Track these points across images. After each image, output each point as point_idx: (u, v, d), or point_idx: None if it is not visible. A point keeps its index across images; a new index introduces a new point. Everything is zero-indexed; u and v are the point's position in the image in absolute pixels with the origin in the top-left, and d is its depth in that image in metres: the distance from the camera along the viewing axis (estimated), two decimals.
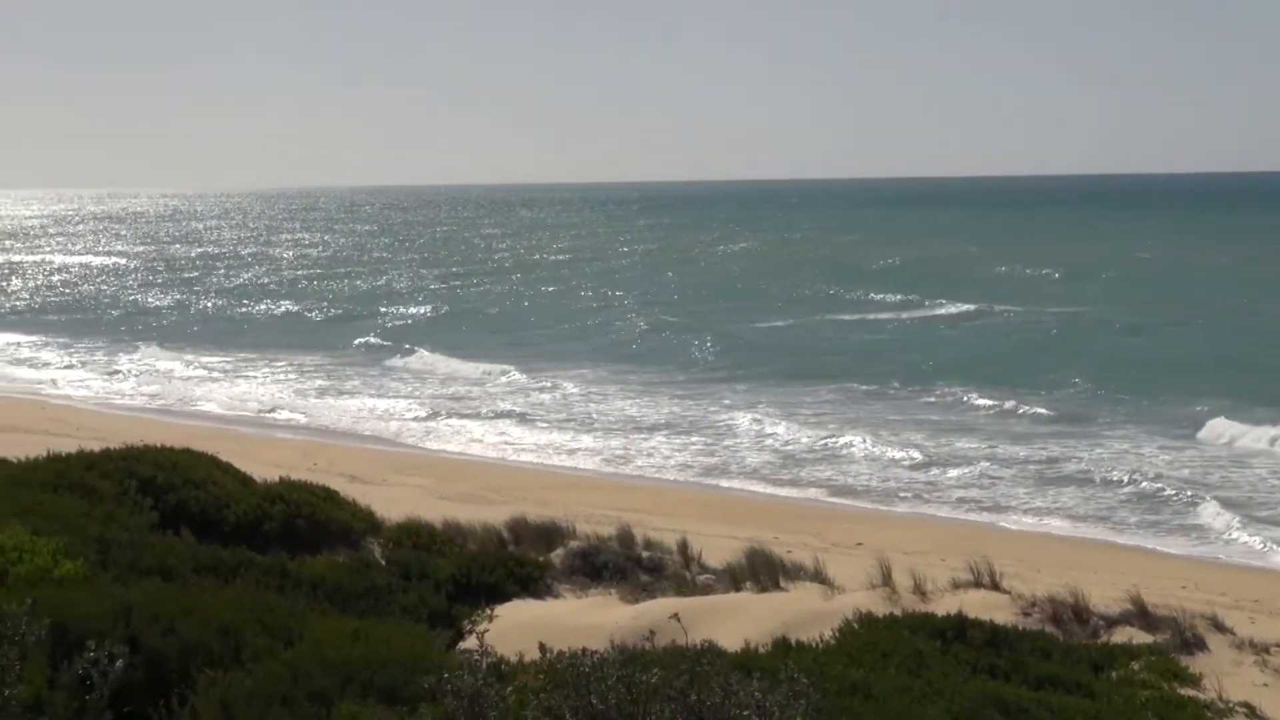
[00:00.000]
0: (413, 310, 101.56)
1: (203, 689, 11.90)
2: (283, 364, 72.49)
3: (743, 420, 53.25)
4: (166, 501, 22.55)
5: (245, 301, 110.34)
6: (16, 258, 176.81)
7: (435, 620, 17.58)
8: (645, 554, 25.10)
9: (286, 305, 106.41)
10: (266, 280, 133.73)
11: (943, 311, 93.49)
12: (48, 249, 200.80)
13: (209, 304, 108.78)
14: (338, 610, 16.91)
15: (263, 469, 29.08)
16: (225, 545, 20.38)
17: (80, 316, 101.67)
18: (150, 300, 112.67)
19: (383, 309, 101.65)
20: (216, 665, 12.48)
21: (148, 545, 18.60)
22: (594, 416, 55.51)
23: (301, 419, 55.67)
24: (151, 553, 18.13)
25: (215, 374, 69.29)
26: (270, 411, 57.56)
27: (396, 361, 72.50)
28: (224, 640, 13.36)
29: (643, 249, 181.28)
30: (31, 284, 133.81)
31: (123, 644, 11.83)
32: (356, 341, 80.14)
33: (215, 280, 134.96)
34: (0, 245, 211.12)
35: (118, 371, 71.03)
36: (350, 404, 59.28)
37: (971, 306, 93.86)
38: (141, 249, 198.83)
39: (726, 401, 58.35)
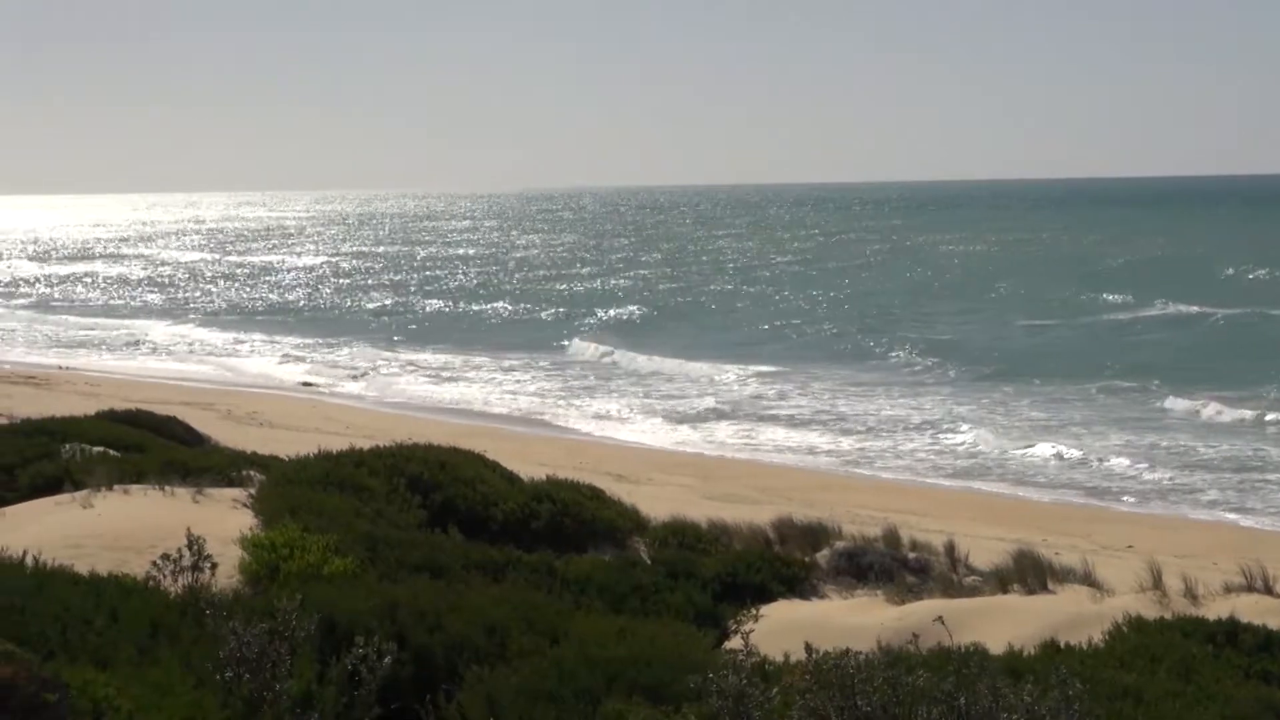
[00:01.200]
0: (640, 310, 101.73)
1: (469, 685, 11.98)
2: (522, 364, 73.08)
3: (998, 421, 52.78)
4: (434, 499, 22.77)
5: (492, 302, 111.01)
6: (276, 257, 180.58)
7: (701, 620, 17.54)
8: (911, 555, 24.79)
9: (525, 306, 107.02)
10: (503, 280, 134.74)
11: (1194, 310, 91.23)
12: (298, 250, 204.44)
13: (463, 305, 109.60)
14: (604, 609, 16.94)
15: (529, 467, 29.29)
16: (493, 543, 20.55)
17: (337, 315, 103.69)
18: (399, 300, 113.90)
19: (612, 310, 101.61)
20: (483, 662, 12.56)
21: (416, 543, 18.81)
22: (848, 416, 55.31)
23: (552, 419, 55.97)
24: (419, 550, 18.33)
25: (472, 372, 70.05)
26: (529, 411, 57.98)
27: (637, 362, 72.43)
28: (490, 637, 13.45)
29: (876, 249, 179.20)
30: (290, 282, 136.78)
31: (390, 640, 11.96)
32: (598, 347, 79.82)
33: (459, 279, 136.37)
34: (249, 246, 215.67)
35: (374, 370, 72.14)
36: (602, 405, 59.48)
37: (1236, 310, 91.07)
38: (395, 249, 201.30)
39: (982, 401, 57.86)
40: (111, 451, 25.96)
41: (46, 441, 26.47)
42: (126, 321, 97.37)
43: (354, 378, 69.23)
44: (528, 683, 11.83)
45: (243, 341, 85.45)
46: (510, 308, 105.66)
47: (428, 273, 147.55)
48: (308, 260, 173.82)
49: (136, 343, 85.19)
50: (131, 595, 13.64)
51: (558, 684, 11.74)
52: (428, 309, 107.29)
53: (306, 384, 66.41)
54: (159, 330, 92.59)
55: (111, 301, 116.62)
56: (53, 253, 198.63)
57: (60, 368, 68.65)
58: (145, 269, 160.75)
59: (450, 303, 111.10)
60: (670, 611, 17.82)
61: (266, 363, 75.61)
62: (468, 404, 60.02)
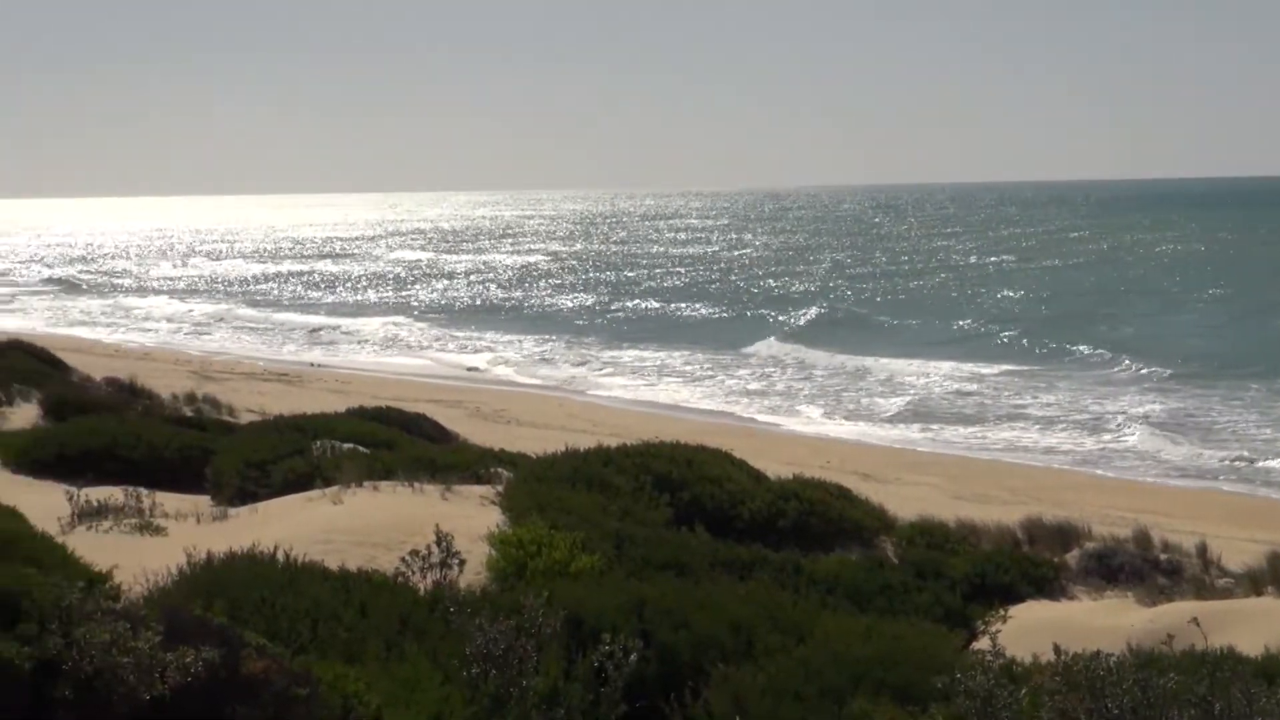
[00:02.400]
0: (850, 308, 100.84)
1: (715, 683, 11.93)
2: (740, 361, 72.68)
3: (1244, 421, 51.60)
4: (681, 497, 22.77)
5: (702, 301, 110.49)
6: (499, 256, 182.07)
7: (949, 620, 17.34)
8: (1162, 556, 24.32)
9: (739, 304, 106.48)
10: (719, 278, 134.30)
11: None
12: (523, 247, 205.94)
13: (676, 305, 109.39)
14: (850, 608, 16.82)
15: (775, 466, 29.20)
16: (739, 542, 20.49)
17: (558, 312, 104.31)
18: (614, 299, 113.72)
19: (822, 308, 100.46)
20: (729, 660, 12.50)
21: (662, 541, 18.81)
22: (1085, 414, 54.39)
23: (787, 417, 55.63)
24: (666, 548, 18.32)
25: (699, 370, 69.86)
26: (768, 408, 57.72)
27: (854, 361, 71.40)
28: (736, 635, 13.39)
29: (1092, 247, 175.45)
30: (508, 280, 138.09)
31: (637, 638, 11.94)
32: (806, 349, 78.73)
33: (679, 279, 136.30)
34: (481, 244, 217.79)
35: (586, 367, 72.43)
36: (828, 404, 58.90)
37: None
38: (615, 248, 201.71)
39: (1227, 402, 56.41)
40: (361, 448, 26.38)
41: (298, 438, 26.99)
42: (341, 320, 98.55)
43: (592, 375, 69.48)
44: (774, 681, 11.76)
45: (475, 339, 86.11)
46: (720, 307, 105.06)
47: (644, 270, 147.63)
48: (533, 258, 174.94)
49: (363, 340, 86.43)
50: (380, 591, 13.80)
51: (804, 683, 11.65)
52: (641, 307, 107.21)
53: (536, 382, 66.81)
54: (377, 326, 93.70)
55: (338, 299, 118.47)
56: (282, 251, 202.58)
57: (311, 365, 69.98)
58: (373, 266, 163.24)
59: (663, 301, 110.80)
60: (917, 611, 17.64)
61: (481, 359, 76.13)
62: (697, 403, 59.83)
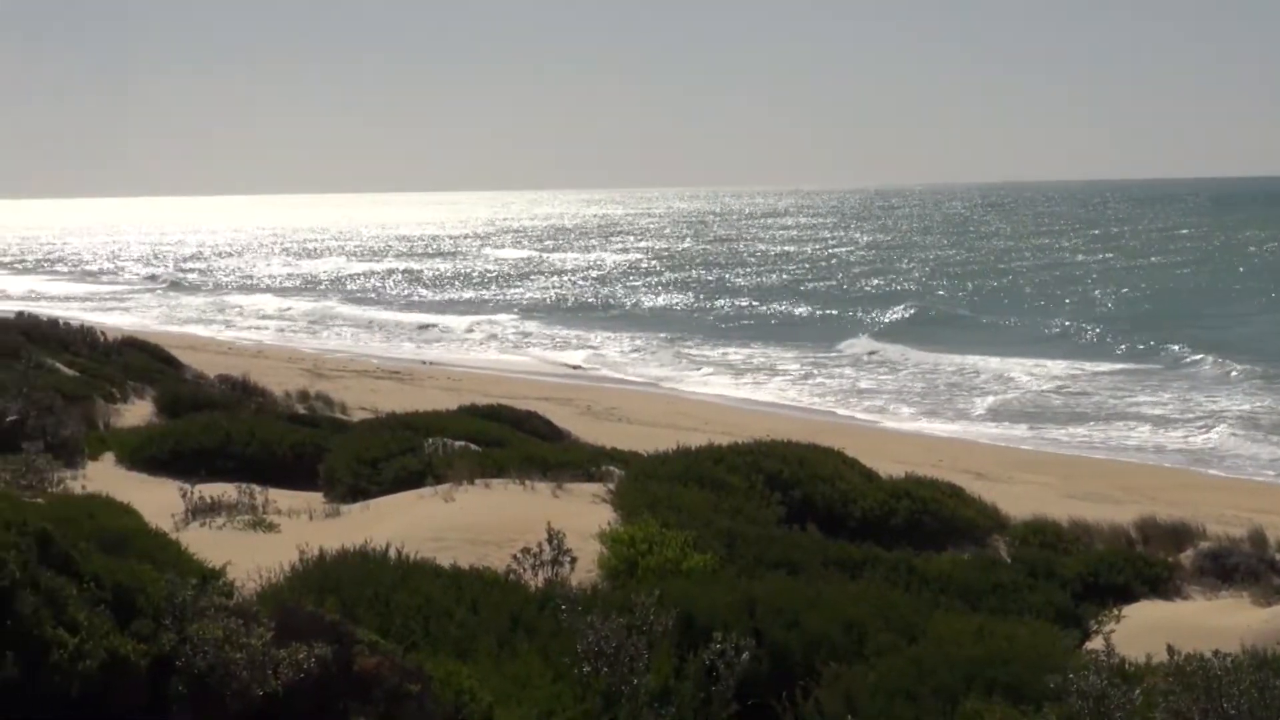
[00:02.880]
0: (945, 308, 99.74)
1: (827, 682, 11.89)
2: (839, 359, 72.35)
3: None
4: (792, 496, 22.71)
5: (798, 299, 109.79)
6: (602, 255, 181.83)
7: (1061, 619, 17.21)
8: (1278, 556, 24.01)
9: (840, 302, 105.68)
10: (819, 276, 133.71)
11: None
12: (626, 246, 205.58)
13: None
14: (963, 607, 16.71)
15: (887, 465, 29.03)
16: (851, 540, 20.40)
17: (652, 311, 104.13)
18: (724, 297, 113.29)
19: (916, 307, 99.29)
20: (840, 659, 12.47)
21: (774, 539, 18.77)
22: (1192, 412, 53.60)
23: (888, 415, 55.24)
24: (777, 547, 18.28)
25: (801, 368, 69.40)
26: (870, 407, 57.35)
27: (952, 359, 70.40)
28: (847, 634, 13.35)
29: (1202, 246, 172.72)
30: (610, 277, 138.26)
31: (748, 636, 11.94)
32: (903, 348, 77.81)
33: (781, 275, 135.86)
34: (589, 242, 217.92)
35: (689, 363, 72.35)
36: (930, 402, 58.31)
37: None
38: (712, 246, 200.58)
39: None
40: (473, 446, 26.47)
41: (410, 436, 27.11)
42: (447, 318, 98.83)
43: (673, 371, 69.41)
44: (885, 680, 11.72)
45: (579, 337, 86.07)
46: (820, 305, 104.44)
47: (746, 268, 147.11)
48: (636, 256, 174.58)
49: (468, 337, 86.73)
50: (491, 588, 13.85)
51: (916, 682, 11.60)
52: (742, 305, 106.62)
53: (665, 379, 66.77)
54: (482, 323, 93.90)
55: (444, 297, 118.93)
56: (390, 249, 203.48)
57: (423, 363, 70.26)
58: (478, 265, 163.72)
59: (763, 299, 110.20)
60: (1030, 611, 17.49)
61: (584, 356, 76.10)
62: (804, 401, 59.54)
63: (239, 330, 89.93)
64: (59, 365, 39.09)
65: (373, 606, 12.54)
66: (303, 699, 8.69)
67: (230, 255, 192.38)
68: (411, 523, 19.15)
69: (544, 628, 12.64)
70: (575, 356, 76.16)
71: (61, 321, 52.72)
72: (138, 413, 35.11)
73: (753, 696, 11.84)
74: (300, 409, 39.08)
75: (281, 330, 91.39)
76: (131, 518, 15.97)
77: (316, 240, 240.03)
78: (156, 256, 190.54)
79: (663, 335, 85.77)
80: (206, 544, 15.88)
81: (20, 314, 54.17)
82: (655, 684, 11.25)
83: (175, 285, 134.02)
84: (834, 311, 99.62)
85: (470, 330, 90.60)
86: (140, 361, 46.08)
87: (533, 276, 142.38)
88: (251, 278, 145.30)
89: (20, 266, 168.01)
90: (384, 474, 24.40)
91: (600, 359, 75.51)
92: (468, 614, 12.81)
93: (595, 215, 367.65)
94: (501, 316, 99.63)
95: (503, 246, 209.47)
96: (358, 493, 23.90)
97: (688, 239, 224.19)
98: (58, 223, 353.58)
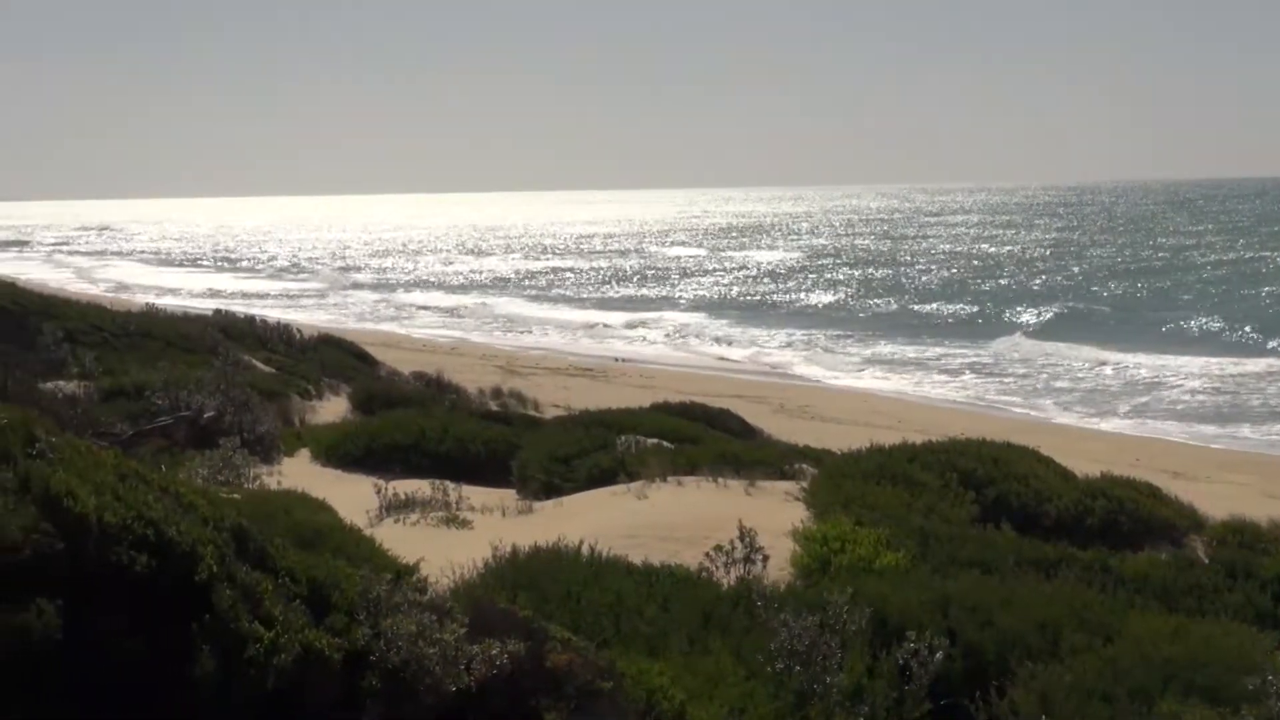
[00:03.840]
0: (1099, 306, 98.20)
1: (1021, 682, 11.80)
2: (994, 358, 71.45)
3: None
4: (986, 495, 22.51)
5: (956, 298, 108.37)
6: (768, 254, 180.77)
7: (1260, 621, 16.87)
8: None
9: (1003, 301, 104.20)
10: (982, 275, 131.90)
11: None
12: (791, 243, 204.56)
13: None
14: (1159, 608, 16.47)
15: (1082, 463, 28.66)
16: (1045, 540, 20.17)
17: (820, 309, 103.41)
18: (897, 296, 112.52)
19: (1077, 305, 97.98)
20: (1034, 659, 12.36)
21: (967, 538, 18.62)
22: None
23: (1057, 413, 54.46)
24: (971, 545, 18.13)
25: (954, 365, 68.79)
26: (1037, 406, 56.57)
27: (1143, 359, 69.46)
28: (1041, 634, 13.23)
29: None
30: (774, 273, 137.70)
31: (941, 635, 11.86)
32: (1070, 346, 76.74)
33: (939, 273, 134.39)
34: (758, 240, 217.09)
35: (861, 360, 71.88)
36: (1102, 401, 57.44)
37: None
38: (882, 245, 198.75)
39: None
40: (665, 443, 26.53)
41: (603, 433, 27.26)
42: (628, 314, 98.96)
43: (885, 372, 68.99)
44: (1080, 680, 11.59)
45: (762, 334, 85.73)
46: (989, 303, 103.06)
47: (924, 266, 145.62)
48: (796, 255, 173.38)
49: (649, 335, 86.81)
50: (683, 586, 13.89)
51: (1111, 683, 11.47)
52: (915, 303, 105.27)
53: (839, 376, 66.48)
54: (660, 320, 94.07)
55: (624, 294, 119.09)
56: (568, 248, 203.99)
57: (616, 360, 70.46)
58: (652, 262, 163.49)
59: (932, 298, 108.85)
60: (1228, 612, 17.17)
61: (759, 353, 75.96)
62: (992, 398, 58.85)
63: (415, 327, 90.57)
64: (256, 362, 39.76)
65: (564, 603, 12.62)
66: (495, 695, 8.75)
67: (400, 253, 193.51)
68: (604, 520, 19.25)
69: (736, 625, 12.66)
70: (740, 353, 76.14)
71: (258, 319, 53.47)
72: (333, 409, 35.61)
73: (945, 696, 11.78)
74: (493, 406, 39.37)
75: (459, 326, 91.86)
76: (326, 514, 16.22)
77: (490, 238, 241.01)
78: (333, 254, 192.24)
79: (839, 331, 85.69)
80: (400, 540, 16.07)
81: (217, 311, 55.10)
82: (848, 683, 11.22)
83: (358, 284, 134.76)
84: (1004, 308, 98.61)
85: (635, 326, 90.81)
86: (335, 358, 46.74)
87: (702, 274, 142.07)
88: (424, 275, 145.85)
89: (204, 265, 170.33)
90: (577, 471, 24.56)
91: (765, 354, 75.51)
92: (658, 611, 12.85)
93: (786, 212, 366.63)
94: (670, 314, 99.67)
95: (676, 245, 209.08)
96: (550, 490, 24.08)
97: (868, 237, 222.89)
98: (226, 221, 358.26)
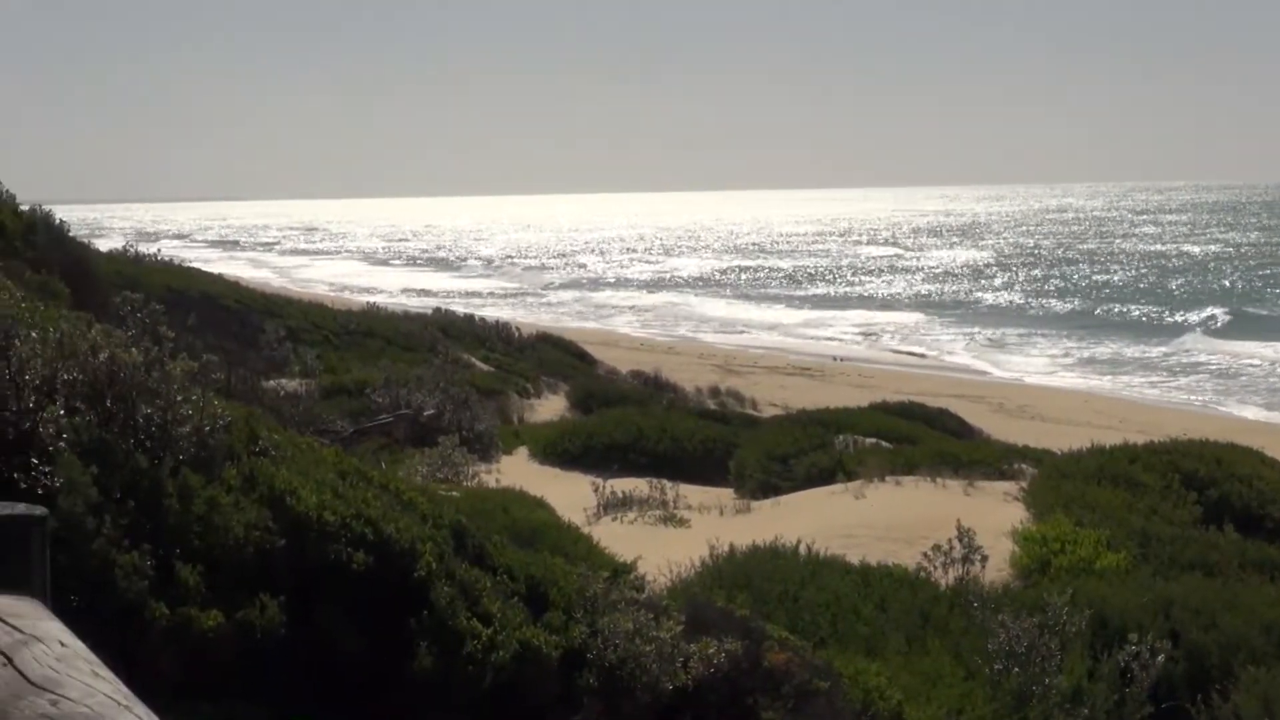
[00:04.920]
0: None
1: (1245, 686, 11.59)
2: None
3: None
4: (1209, 496, 22.13)
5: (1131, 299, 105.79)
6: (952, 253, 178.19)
7: None
8: None
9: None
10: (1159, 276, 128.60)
11: None
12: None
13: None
14: None
15: None
16: (1269, 542, 19.82)
17: (1013, 307, 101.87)
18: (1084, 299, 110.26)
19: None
20: (1259, 662, 12.13)
21: (1189, 540, 18.33)
22: None
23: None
24: (1193, 547, 17.85)
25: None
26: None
27: None
28: (1266, 637, 12.99)
29: None
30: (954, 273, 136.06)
31: (1163, 637, 11.70)
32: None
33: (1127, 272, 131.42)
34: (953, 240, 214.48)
35: (1052, 359, 70.81)
36: None
37: None
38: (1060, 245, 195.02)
39: None
40: (883, 443, 26.43)
41: (820, 432, 27.21)
42: (820, 313, 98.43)
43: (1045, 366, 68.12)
44: None
45: (969, 333, 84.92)
46: (1178, 304, 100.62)
47: (1104, 265, 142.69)
48: (983, 255, 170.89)
49: (841, 333, 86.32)
50: (900, 585, 13.84)
51: None
52: (1115, 303, 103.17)
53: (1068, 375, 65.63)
54: (852, 318, 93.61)
55: (816, 293, 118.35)
56: (763, 247, 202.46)
57: (834, 359, 70.23)
58: (841, 261, 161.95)
59: (1127, 298, 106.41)
60: None
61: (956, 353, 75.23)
62: (1204, 399, 57.67)
63: (622, 325, 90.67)
64: (475, 360, 40.23)
65: (781, 602, 12.64)
66: (712, 693, 8.79)
67: (593, 252, 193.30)
68: (821, 519, 19.23)
69: (954, 626, 12.60)
70: (951, 355, 75.33)
71: (477, 317, 54.07)
72: (551, 407, 35.90)
73: (1167, 699, 11.61)
74: (711, 404, 39.45)
75: (659, 324, 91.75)
76: (544, 511, 16.38)
77: (684, 237, 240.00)
78: (546, 250, 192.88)
79: (1021, 330, 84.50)
80: (617, 538, 16.19)
81: (437, 310, 55.81)
82: (1068, 685, 11.12)
83: (567, 283, 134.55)
84: (1199, 308, 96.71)
85: (840, 327, 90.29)
86: (554, 357, 47.11)
87: (892, 273, 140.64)
88: (619, 275, 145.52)
89: (397, 262, 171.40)
90: (794, 470, 24.53)
91: (955, 352, 74.90)
92: (876, 611, 12.83)
93: (991, 211, 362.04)
94: (860, 312, 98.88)
95: (865, 244, 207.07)
96: (768, 489, 24.08)
97: (1062, 237, 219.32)
98: (433, 221, 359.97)
